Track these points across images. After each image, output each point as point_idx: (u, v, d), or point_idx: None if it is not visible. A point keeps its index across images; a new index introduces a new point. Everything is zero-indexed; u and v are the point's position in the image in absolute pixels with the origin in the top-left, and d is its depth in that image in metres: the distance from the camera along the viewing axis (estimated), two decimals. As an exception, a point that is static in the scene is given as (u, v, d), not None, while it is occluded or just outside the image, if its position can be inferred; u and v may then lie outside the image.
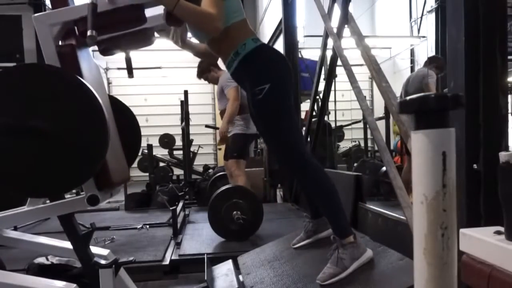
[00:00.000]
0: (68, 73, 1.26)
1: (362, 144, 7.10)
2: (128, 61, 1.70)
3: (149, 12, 1.54)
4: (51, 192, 1.33)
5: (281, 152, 1.82)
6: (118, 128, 1.60)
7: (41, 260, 1.96)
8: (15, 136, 1.19)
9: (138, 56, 8.07)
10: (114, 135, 1.50)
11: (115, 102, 1.68)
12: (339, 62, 3.02)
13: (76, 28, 1.41)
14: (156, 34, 1.72)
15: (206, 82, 4.03)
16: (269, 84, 1.70)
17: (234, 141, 3.73)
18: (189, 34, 1.95)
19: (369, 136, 6.44)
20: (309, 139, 4.02)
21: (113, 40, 1.54)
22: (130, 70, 1.70)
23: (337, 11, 3.07)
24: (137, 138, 1.74)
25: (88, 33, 1.29)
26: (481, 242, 0.85)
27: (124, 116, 1.69)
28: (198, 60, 3.53)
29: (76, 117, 1.21)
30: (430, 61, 3.93)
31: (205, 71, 3.86)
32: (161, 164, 6.93)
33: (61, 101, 1.21)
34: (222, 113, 3.76)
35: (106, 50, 1.58)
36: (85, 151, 1.21)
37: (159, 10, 1.61)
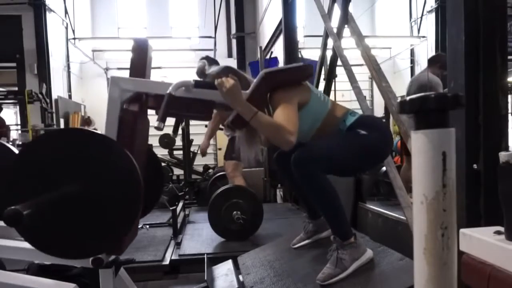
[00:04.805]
0: (120, 149, 1.23)
1: (362, 144, 7.08)
2: (178, 123, 1.75)
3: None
4: (76, 257, 1.33)
5: (310, 157, 1.67)
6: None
7: (41, 260, 1.96)
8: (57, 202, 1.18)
9: (138, 56, 8.03)
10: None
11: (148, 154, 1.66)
12: (339, 62, 3.03)
13: (145, 97, 1.46)
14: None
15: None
16: (366, 133, 1.69)
17: (233, 143, 3.70)
18: None
19: (369, 136, 6.41)
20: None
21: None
22: (176, 130, 1.76)
23: (337, 11, 3.07)
24: (159, 188, 1.78)
25: (156, 124, 1.40)
26: (481, 242, 0.85)
27: (152, 165, 1.67)
28: (198, 60, 3.52)
29: (115, 200, 1.21)
30: (432, 61, 3.84)
31: None
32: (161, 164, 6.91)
33: (106, 174, 1.21)
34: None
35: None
36: (113, 226, 1.22)
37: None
